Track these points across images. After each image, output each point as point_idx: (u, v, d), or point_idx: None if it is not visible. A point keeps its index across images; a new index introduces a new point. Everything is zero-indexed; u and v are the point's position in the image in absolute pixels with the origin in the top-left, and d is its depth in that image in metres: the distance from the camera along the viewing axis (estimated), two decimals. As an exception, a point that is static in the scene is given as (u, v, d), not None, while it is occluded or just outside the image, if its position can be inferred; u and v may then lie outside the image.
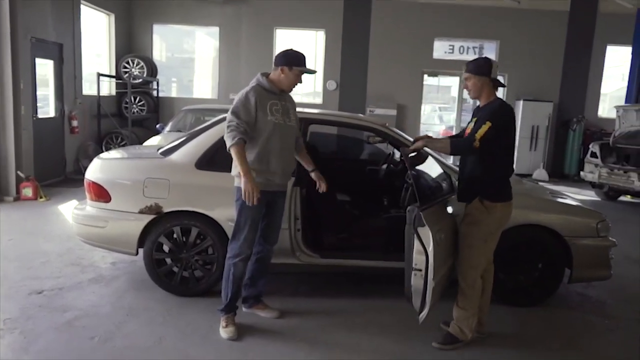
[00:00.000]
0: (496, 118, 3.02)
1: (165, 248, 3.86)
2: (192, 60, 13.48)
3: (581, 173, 9.25)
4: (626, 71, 11.82)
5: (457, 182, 3.68)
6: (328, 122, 4.19)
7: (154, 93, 11.83)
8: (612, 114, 12.64)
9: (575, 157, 11.65)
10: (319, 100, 12.19)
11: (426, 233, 2.73)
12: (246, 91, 3.21)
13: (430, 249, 2.71)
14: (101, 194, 3.84)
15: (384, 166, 5.11)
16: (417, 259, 2.75)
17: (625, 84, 11.87)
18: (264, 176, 3.23)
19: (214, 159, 3.82)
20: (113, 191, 3.83)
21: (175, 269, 3.87)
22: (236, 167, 3.13)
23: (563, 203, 4.12)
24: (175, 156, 3.91)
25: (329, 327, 3.50)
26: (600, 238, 4.00)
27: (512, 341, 3.46)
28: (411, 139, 4.24)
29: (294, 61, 3.24)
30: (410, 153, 3.18)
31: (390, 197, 4.94)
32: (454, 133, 12.98)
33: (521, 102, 11.60)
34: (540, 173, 11.44)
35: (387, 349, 3.25)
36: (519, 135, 11.67)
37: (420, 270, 2.75)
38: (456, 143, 3.21)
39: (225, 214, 3.74)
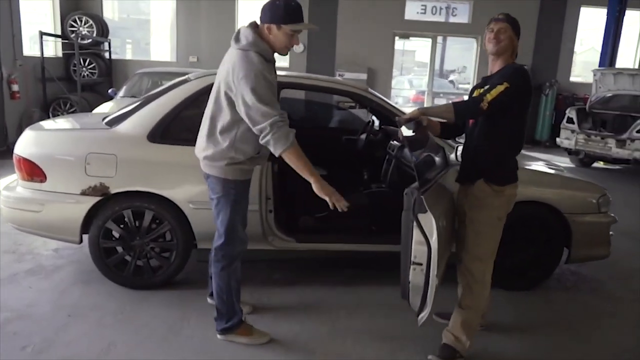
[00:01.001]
0: (515, 79, 2.52)
1: (115, 234, 3.31)
2: (148, 21, 12.49)
3: (557, 139, 9.01)
4: (591, 35, 11.59)
5: (454, 158, 3.27)
6: (303, 86, 3.63)
7: (106, 55, 10.89)
8: (583, 79, 12.52)
9: (547, 123, 11.46)
10: (284, 63, 11.49)
11: (428, 220, 2.27)
12: (256, 70, 2.36)
13: (433, 240, 2.26)
14: (34, 172, 3.22)
15: (363, 136, 4.62)
16: (417, 250, 2.30)
17: (592, 46, 11.67)
18: (254, 163, 2.69)
19: (170, 130, 3.25)
20: (49, 169, 3.21)
21: (128, 258, 3.33)
22: (224, 157, 2.53)
23: (562, 176, 3.74)
24: (123, 127, 3.30)
25: (307, 328, 3.02)
26: (601, 214, 3.67)
27: (512, 330, 3.10)
28: (394, 104, 3.77)
29: (284, 16, 2.43)
30: (405, 122, 2.67)
31: (370, 171, 4.47)
32: (425, 98, 12.59)
33: (494, 66, 11.22)
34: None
35: (375, 356, 2.79)
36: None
37: (421, 264, 2.30)
38: (460, 105, 2.68)
39: (185, 195, 3.21)
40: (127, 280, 3.34)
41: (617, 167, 9.25)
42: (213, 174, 2.61)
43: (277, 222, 3.40)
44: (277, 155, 2.40)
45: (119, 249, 3.34)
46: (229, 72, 2.43)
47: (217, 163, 2.56)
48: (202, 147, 2.64)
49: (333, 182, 4.30)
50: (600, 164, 9.39)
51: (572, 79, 12.16)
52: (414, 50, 13.35)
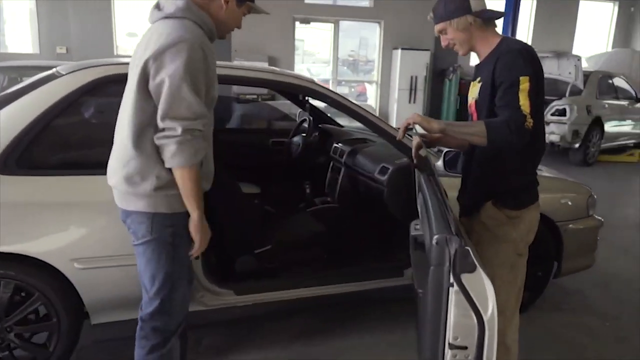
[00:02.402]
0: (529, 66, 1.77)
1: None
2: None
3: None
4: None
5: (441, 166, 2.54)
6: (230, 79, 2.61)
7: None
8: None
9: (452, 108, 11.34)
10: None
11: (479, 283, 1.46)
12: (192, 42, 1.65)
13: (489, 313, 1.45)
14: None
15: (297, 138, 3.72)
16: (459, 328, 1.49)
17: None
18: (205, 180, 1.87)
19: (33, 153, 2.13)
20: None
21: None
22: (148, 176, 1.71)
23: (550, 177, 3.15)
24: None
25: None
26: (589, 218, 3.15)
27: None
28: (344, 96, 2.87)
29: None
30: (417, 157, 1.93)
31: (312, 182, 3.60)
32: (330, 87, 11.89)
33: (399, 51, 10.85)
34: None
35: None
36: (398, 87, 11.04)
37: (465, 347, 1.50)
38: (496, 127, 1.73)
39: (65, 250, 2.12)
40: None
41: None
42: (135, 210, 1.75)
43: (206, 271, 2.42)
44: (168, 166, 1.69)
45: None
46: (147, 48, 1.66)
47: (139, 188, 1.72)
48: (115, 167, 1.79)
49: (268, 201, 3.42)
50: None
51: (472, 63, 12.17)
52: (316, 36, 12.62)
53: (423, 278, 1.77)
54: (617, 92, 8.71)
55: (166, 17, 1.71)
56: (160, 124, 1.65)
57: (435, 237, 1.51)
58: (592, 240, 3.17)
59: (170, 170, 1.70)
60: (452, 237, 1.48)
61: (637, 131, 9.32)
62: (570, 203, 3.02)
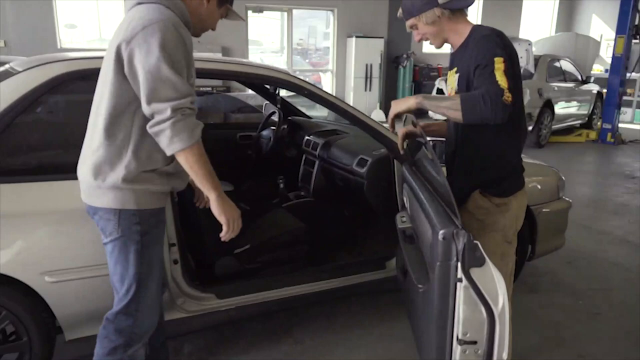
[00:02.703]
0: (502, 49, 1.75)
1: None
2: None
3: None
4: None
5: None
6: (204, 72, 2.44)
7: None
8: (435, 49, 12.79)
9: (407, 94, 11.45)
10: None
11: (488, 276, 1.43)
12: (167, 22, 1.57)
13: (500, 306, 1.43)
14: None
15: (266, 132, 3.61)
16: (469, 323, 1.46)
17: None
18: (167, 183, 1.76)
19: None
20: None
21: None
22: (116, 167, 1.64)
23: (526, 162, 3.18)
24: None
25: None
26: (560, 200, 3.22)
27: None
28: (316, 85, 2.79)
29: None
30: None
31: (284, 176, 3.50)
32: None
33: (353, 39, 10.83)
34: (378, 114, 10.98)
35: None
36: (353, 76, 11.02)
37: (475, 342, 1.47)
38: (471, 100, 1.69)
39: (35, 264, 1.95)
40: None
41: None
42: (102, 206, 1.68)
43: (186, 275, 2.31)
44: (170, 153, 1.60)
45: None
46: (119, 34, 1.61)
47: (107, 180, 1.65)
48: (85, 155, 1.73)
49: (242, 198, 3.30)
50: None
51: (425, 49, 12.32)
52: (264, 25, 12.38)
53: (422, 274, 1.74)
54: (564, 75, 9.02)
55: (139, 3, 1.67)
56: (147, 110, 1.57)
57: (442, 232, 1.47)
58: (563, 221, 3.25)
59: (139, 163, 1.65)
60: (459, 232, 1.45)
61: (583, 112, 9.70)
62: (541, 187, 3.07)
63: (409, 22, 1.96)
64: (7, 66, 2.34)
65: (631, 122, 11.25)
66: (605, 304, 3.15)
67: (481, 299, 1.43)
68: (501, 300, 1.43)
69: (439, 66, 11.76)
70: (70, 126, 2.13)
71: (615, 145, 8.87)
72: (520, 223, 2.05)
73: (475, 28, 1.92)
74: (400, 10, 1.98)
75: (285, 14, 10.79)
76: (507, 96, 1.67)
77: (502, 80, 1.70)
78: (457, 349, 1.50)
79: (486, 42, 1.79)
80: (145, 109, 1.57)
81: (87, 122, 1.75)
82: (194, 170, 1.62)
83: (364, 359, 2.53)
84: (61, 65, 2.08)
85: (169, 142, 1.56)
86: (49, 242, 1.98)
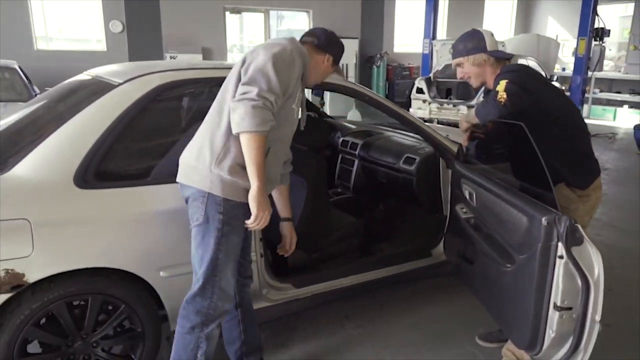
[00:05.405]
0: (510, 75, 2.23)
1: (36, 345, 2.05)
2: None
3: (410, 110, 9.27)
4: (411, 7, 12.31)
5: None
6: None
7: None
8: (406, 49, 13.25)
9: (381, 93, 11.82)
10: (101, 47, 9.64)
11: (586, 253, 1.74)
12: (289, 47, 1.91)
13: (596, 276, 1.74)
14: None
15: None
16: (566, 291, 1.76)
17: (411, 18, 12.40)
18: (268, 183, 1.96)
19: (109, 164, 2.09)
20: None
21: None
22: (214, 155, 1.86)
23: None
24: (22, 168, 1.99)
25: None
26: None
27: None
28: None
29: (339, 56, 2.18)
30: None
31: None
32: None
33: (329, 40, 11.08)
34: (354, 114, 11.25)
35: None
36: (330, 75, 11.26)
37: (570, 308, 1.77)
38: (479, 106, 2.34)
39: (151, 260, 2.12)
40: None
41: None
42: (192, 185, 1.90)
43: (268, 267, 2.52)
44: (236, 131, 1.79)
45: (45, 362, 2.08)
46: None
47: (203, 164, 1.87)
48: (189, 146, 1.98)
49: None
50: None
51: (396, 49, 12.75)
52: (249, 27, 12.51)
53: (506, 255, 2.04)
54: (531, 74, 9.61)
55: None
56: (240, 89, 1.80)
57: (545, 218, 1.77)
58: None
59: (236, 154, 1.83)
60: (561, 217, 1.75)
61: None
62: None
63: (456, 60, 2.37)
64: (90, 75, 2.49)
65: (587, 117, 12.07)
66: (613, 280, 3.56)
67: (579, 271, 1.74)
68: (596, 270, 1.74)
69: (410, 65, 12.20)
70: (176, 132, 2.31)
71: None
72: (595, 211, 2.42)
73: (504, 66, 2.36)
74: (450, 49, 2.43)
75: (262, 15, 10.93)
76: (501, 98, 2.11)
77: (500, 87, 2.14)
78: (554, 315, 1.81)
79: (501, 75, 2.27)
80: (239, 89, 1.81)
81: (186, 127, 1.99)
82: (250, 155, 1.78)
83: (420, 335, 2.80)
84: (157, 77, 2.25)
85: (240, 119, 1.76)
86: (162, 240, 2.14)
